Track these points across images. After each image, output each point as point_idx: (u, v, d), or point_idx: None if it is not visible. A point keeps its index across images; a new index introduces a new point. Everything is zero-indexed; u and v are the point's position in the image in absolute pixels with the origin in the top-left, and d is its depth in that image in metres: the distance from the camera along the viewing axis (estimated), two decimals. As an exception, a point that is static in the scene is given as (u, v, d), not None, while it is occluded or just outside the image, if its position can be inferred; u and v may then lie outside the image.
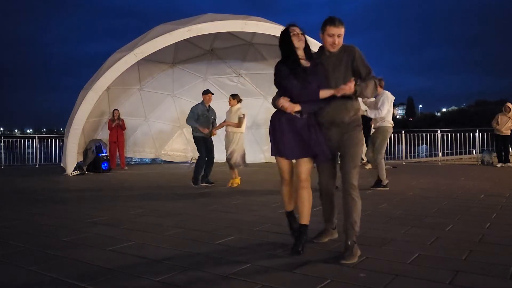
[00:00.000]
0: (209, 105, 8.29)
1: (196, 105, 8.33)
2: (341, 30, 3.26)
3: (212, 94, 8.39)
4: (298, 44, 3.26)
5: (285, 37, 3.27)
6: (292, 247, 3.36)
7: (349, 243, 3.19)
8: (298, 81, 3.22)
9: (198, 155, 8.24)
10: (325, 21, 3.30)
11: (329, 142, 3.35)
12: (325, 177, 3.50)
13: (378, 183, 7.08)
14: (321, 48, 3.44)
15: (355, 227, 3.24)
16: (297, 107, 3.21)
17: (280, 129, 3.30)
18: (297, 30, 3.26)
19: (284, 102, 3.21)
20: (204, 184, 8.02)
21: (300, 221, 3.39)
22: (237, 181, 7.85)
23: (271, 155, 3.48)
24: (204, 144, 8.17)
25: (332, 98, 3.24)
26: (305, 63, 3.30)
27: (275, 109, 3.43)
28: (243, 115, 7.73)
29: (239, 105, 7.86)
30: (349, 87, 3.14)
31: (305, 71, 3.25)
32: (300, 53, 3.29)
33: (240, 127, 7.73)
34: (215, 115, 8.36)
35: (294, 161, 3.41)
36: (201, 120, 8.05)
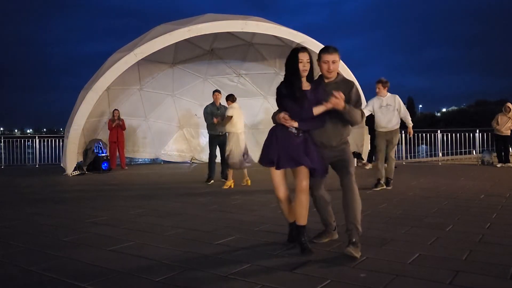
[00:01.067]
0: (220, 104, 8.54)
1: (206, 106, 8.67)
2: (335, 57, 3.43)
3: (219, 92, 8.69)
4: (303, 73, 3.36)
5: (293, 62, 3.36)
6: (300, 250, 3.35)
7: (354, 240, 3.25)
8: (297, 103, 3.35)
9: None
10: (320, 50, 3.50)
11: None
12: (319, 188, 3.57)
13: (378, 183, 7.21)
14: (320, 76, 3.56)
15: (359, 227, 3.32)
16: (295, 123, 3.34)
17: (277, 141, 3.40)
18: (305, 58, 3.34)
19: (284, 116, 3.34)
20: (223, 180, 8.24)
21: (298, 223, 3.40)
22: (228, 183, 7.70)
23: (263, 164, 3.54)
24: (216, 143, 8.50)
25: (326, 121, 3.40)
26: (306, 85, 3.42)
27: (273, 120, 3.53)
28: (228, 116, 7.74)
29: (233, 104, 7.93)
30: (341, 98, 3.23)
31: (305, 94, 3.37)
32: (303, 79, 3.41)
33: (224, 125, 7.84)
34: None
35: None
36: (211, 119, 8.30)
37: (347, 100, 3.37)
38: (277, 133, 3.43)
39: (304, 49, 3.38)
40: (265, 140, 3.51)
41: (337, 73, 3.52)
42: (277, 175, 3.45)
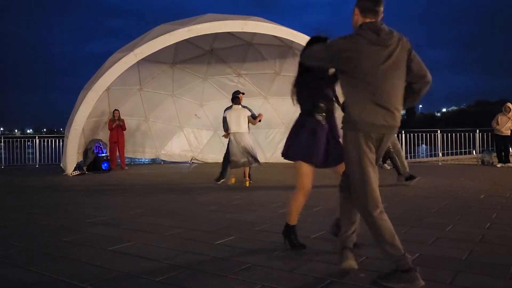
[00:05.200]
0: (241, 106, 8.08)
1: (226, 108, 8.29)
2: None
3: (243, 94, 8.27)
4: None
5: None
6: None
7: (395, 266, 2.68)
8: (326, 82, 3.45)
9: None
10: None
11: None
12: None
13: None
14: None
15: (382, 249, 2.75)
16: None
17: (316, 138, 3.38)
18: None
19: None
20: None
21: None
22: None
23: (291, 159, 3.46)
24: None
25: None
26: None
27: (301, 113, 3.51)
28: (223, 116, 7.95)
29: (233, 106, 7.91)
30: None
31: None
32: None
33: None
34: (249, 112, 8.10)
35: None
36: (226, 128, 8.09)
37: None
38: (312, 128, 3.39)
39: (324, 38, 3.37)
40: (296, 133, 3.45)
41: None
42: (309, 167, 3.42)
